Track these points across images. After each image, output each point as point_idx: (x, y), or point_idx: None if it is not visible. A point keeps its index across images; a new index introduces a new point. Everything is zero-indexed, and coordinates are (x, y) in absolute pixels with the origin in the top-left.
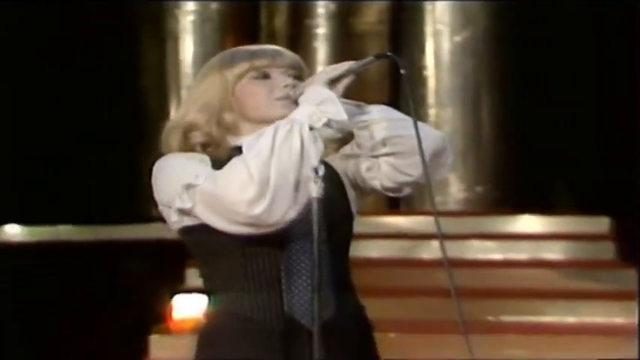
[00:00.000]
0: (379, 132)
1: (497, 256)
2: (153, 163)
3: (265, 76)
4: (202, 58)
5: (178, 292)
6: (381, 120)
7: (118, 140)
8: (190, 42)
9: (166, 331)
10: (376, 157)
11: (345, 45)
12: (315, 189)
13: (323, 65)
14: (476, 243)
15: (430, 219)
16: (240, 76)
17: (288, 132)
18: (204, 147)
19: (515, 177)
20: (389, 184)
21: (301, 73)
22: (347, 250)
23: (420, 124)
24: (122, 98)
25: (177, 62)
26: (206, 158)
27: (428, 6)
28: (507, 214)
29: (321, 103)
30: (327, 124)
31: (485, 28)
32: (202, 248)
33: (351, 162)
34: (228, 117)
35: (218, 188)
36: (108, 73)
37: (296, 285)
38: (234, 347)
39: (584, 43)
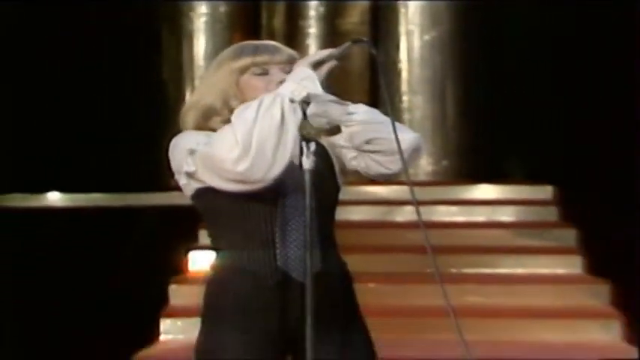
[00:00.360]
0: (365, 133)
1: (460, 219)
2: (170, 140)
3: (264, 73)
4: (213, 53)
5: (193, 249)
6: (367, 122)
7: (143, 121)
8: (202, 39)
9: (183, 282)
10: (361, 151)
11: (332, 43)
12: (307, 162)
13: None
14: (442, 208)
15: (404, 188)
16: (244, 70)
17: (271, 103)
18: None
19: (475, 152)
20: (370, 173)
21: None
22: (333, 215)
23: (399, 125)
24: (146, 86)
25: (191, 56)
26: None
27: (402, 8)
28: (468, 183)
29: (302, 80)
30: (307, 99)
31: (450, 28)
32: (209, 211)
33: (338, 149)
34: (234, 104)
35: (211, 150)
36: (134, 65)
37: (288, 244)
38: (235, 297)
39: (536, 41)
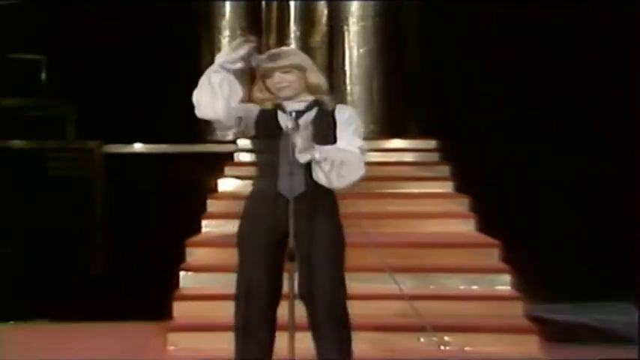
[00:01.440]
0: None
1: (381, 160)
2: None
3: (268, 76)
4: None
5: (221, 178)
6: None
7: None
8: (227, 34)
9: (216, 197)
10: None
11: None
12: (290, 125)
13: None
14: (370, 154)
15: None
16: (263, 75)
17: (210, 70)
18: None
19: (390, 120)
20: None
21: (299, 67)
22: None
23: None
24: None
25: (220, 48)
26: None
27: (346, 32)
28: (385, 138)
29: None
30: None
31: (374, 46)
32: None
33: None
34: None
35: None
36: (181, 54)
37: (281, 174)
38: (253, 206)
39: (429, 46)
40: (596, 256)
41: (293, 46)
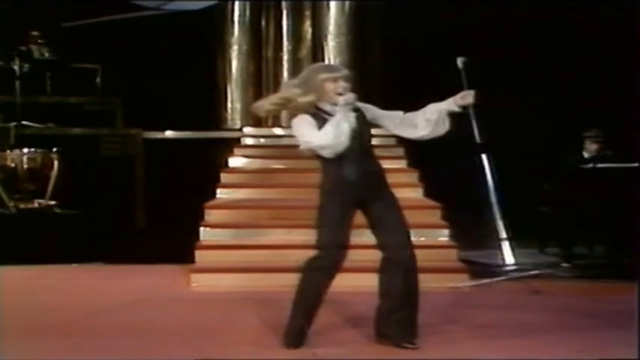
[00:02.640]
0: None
1: None
2: None
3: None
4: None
5: (231, 157)
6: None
7: (206, 95)
8: (235, 48)
9: (227, 171)
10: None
11: (292, 64)
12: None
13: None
14: None
15: None
16: (326, 80)
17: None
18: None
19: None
20: (402, 134)
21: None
22: (370, 145)
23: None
24: (205, 77)
25: (230, 59)
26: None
27: (325, 47)
28: None
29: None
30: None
31: (346, 57)
32: None
33: (380, 120)
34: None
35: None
36: (201, 63)
37: (356, 162)
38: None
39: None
40: (511, 216)
41: (286, 57)
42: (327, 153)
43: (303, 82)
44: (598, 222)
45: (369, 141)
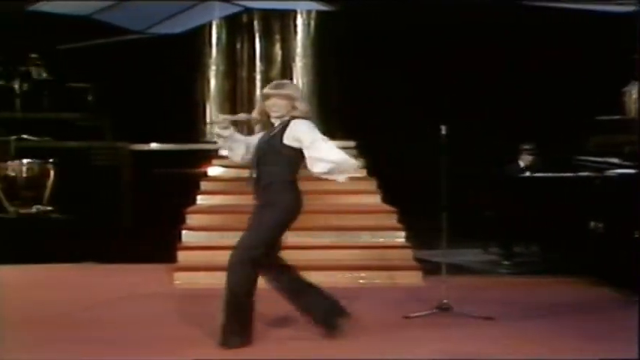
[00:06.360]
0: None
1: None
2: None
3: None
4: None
5: (210, 167)
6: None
7: (187, 111)
8: (213, 68)
9: (206, 180)
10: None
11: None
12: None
13: None
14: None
15: None
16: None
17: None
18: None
19: (325, 128)
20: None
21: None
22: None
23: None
24: (186, 94)
25: (209, 78)
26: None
27: (293, 67)
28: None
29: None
30: None
31: (312, 77)
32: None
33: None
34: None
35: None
36: (182, 82)
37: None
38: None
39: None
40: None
41: (258, 77)
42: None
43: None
44: (534, 224)
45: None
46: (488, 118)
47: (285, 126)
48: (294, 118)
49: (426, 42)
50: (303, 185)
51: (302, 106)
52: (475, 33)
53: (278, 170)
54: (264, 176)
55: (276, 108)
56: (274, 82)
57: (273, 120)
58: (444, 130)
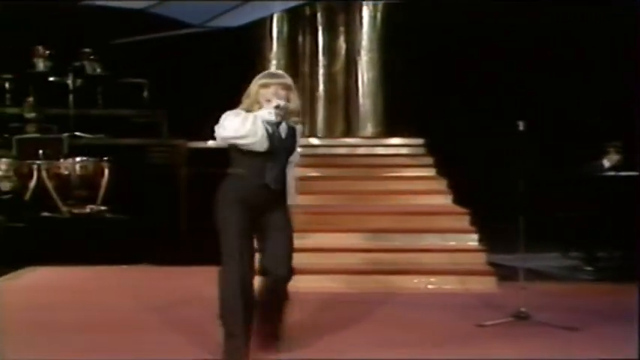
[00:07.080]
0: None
1: (383, 152)
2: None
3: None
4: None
5: None
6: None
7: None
8: (274, 62)
9: None
10: None
11: (331, 81)
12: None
13: None
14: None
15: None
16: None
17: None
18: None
19: (391, 124)
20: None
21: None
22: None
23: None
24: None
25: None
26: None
27: (358, 61)
28: (387, 137)
29: (267, 113)
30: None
31: (378, 72)
32: (236, 152)
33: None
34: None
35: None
36: (241, 78)
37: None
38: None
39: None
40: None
41: (321, 72)
42: (242, 143)
43: (247, 90)
44: (619, 226)
45: (287, 156)
46: (568, 116)
47: (294, 130)
48: (292, 118)
49: (501, 36)
50: (369, 185)
51: (296, 98)
52: (556, 30)
53: (285, 172)
54: (278, 177)
55: (277, 97)
56: (269, 72)
57: (267, 112)
58: (521, 126)
